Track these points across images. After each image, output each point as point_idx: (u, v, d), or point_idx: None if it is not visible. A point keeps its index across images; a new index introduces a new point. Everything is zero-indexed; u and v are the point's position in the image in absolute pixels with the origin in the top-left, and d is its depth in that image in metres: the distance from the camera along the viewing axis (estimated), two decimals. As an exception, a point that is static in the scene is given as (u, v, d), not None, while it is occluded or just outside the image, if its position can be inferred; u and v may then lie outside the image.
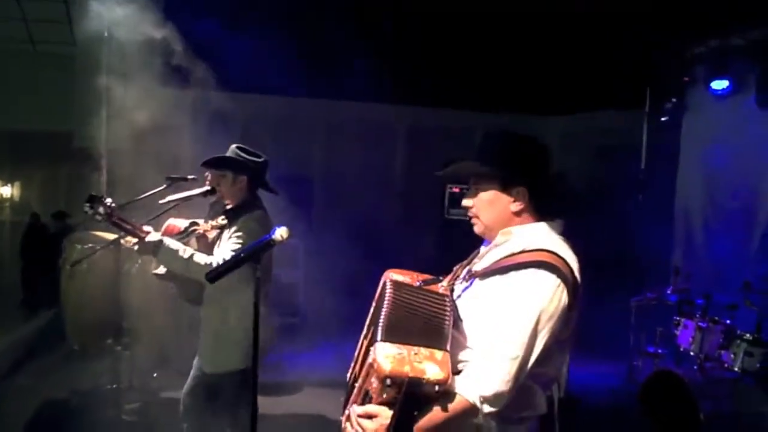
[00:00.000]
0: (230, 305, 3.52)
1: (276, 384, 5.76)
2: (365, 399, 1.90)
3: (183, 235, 3.60)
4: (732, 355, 4.51)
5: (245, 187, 3.65)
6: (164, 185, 4.62)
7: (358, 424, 1.89)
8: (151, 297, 4.97)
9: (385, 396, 1.82)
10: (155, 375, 5.43)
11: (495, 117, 9.10)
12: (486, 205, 2.12)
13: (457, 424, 1.88)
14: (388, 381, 1.78)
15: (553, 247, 1.99)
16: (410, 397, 1.81)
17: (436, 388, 1.79)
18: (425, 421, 1.84)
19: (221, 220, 3.62)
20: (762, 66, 6.35)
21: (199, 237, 3.69)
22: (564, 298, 1.91)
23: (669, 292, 5.34)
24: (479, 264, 2.12)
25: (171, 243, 3.38)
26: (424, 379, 1.77)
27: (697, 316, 4.79)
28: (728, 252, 6.73)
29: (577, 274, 1.97)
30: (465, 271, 2.20)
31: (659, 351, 5.55)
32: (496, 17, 7.26)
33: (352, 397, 2.03)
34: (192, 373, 3.76)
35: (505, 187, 2.09)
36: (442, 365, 1.81)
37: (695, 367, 4.66)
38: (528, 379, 1.95)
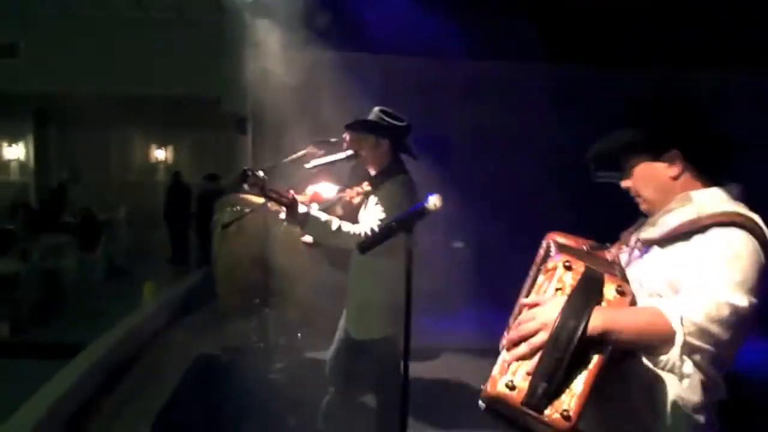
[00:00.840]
0: (376, 273, 3.47)
1: (414, 350, 5.71)
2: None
3: (329, 204, 3.60)
4: None
5: (387, 151, 3.57)
6: (307, 148, 4.67)
7: (521, 323, 1.63)
8: (297, 259, 5.06)
9: (557, 286, 1.62)
10: (299, 335, 5.54)
11: (645, 73, 8.58)
12: (641, 181, 1.94)
13: (647, 344, 1.64)
14: (566, 264, 1.63)
15: (734, 208, 1.79)
16: (589, 282, 1.61)
17: (619, 289, 1.61)
18: (606, 317, 1.56)
19: (366, 187, 3.59)
20: None
21: (344, 203, 3.67)
22: (762, 258, 1.71)
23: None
24: (653, 231, 1.92)
25: (318, 215, 3.38)
26: (601, 277, 1.62)
27: None
28: None
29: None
30: (634, 238, 2.00)
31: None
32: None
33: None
34: (337, 336, 3.80)
35: (655, 155, 1.90)
36: (622, 282, 1.66)
37: None
38: (711, 369, 1.73)
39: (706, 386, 1.75)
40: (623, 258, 1.99)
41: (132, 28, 11.04)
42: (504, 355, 1.61)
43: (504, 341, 1.82)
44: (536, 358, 1.53)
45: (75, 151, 14.15)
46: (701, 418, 1.78)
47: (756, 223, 1.75)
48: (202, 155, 13.27)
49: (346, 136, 5.01)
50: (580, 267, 1.64)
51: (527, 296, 1.85)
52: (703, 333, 1.62)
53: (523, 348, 1.57)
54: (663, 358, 1.63)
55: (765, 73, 8.10)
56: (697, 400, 1.75)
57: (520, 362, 1.55)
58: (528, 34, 6.76)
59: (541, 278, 1.73)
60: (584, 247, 2.01)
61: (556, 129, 7.72)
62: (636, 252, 1.96)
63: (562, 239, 2.01)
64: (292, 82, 6.88)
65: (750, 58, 7.97)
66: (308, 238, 3.66)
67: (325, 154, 4.51)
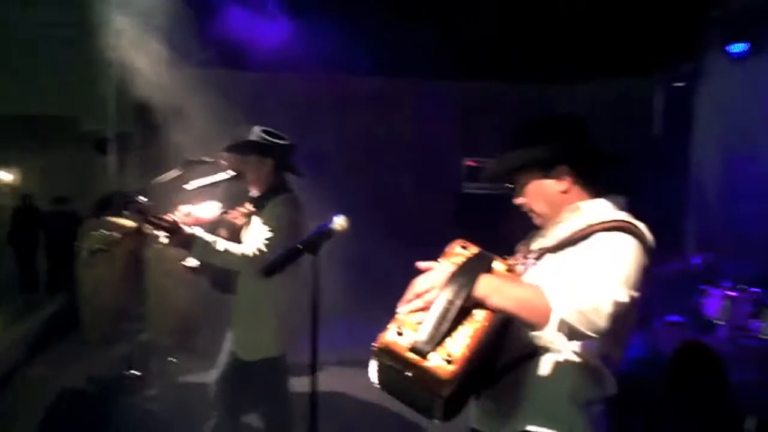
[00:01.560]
0: (263, 293, 3.47)
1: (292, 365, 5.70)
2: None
3: (213, 225, 3.54)
4: (762, 324, 4.46)
5: (271, 170, 3.55)
6: (180, 169, 4.57)
7: (414, 285, 1.74)
8: (168, 282, 4.93)
9: (453, 259, 1.76)
10: (172, 360, 5.39)
11: (511, 87, 9.03)
12: (534, 196, 2.06)
13: (525, 317, 1.71)
14: (462, 245, 1.79)
15: (620, 216, 1.93)
16: (479, 256, 1.77)
17: (505, 268, 1.78)
18: (490, 282, 1.71)
19: (249, 207, 3.57)
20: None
21: (228, 225, 3.63)
22: (645, 260, 1.84)
23: (695, 261, 5.28)
24: (545, 241, 2.06)
25: (203, 235, 3.33)
26: (492, 257, 1.78)
27: (725, 285, 4.74)
28: (748, 219, 6.67)
29: (651, 238, 1.89)
30: (529, 249, 2.12)
31: (682, 320, 5.48)
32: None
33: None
34: (222, 359, 3.72)
35: (545, 172, 2.02)
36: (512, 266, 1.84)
37: (722, 336, 4.61)
38: (599, 361, 1.91)
39: (594, 380, 1.91)
40: (519, 269, 2.09)
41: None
42: (398, 313, 1.73)
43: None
44: (426, 313, 1.66)
45: None
46: (594, 411, 1.94)
47: (639, 229, 1.88)
48: (56, 177, 12.64)
49: (221, 156, 4.96)
50: (474, 249, 1.77)
51: None
52: (581, 316, 1.67)
53: (416, 303, 1.71)
54: (540, 333, 1.71)
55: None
56: (587, 393, 1.92)
57: (410, 315, 1.69)
58: (406, 49, 6.92)
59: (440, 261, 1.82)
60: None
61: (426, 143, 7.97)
62: (530, 260, 2.07)
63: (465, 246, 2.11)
64: (159, 101, 6.71)
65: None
66: (191, 262, 3.53)
67: (199, 174, 4.44)
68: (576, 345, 1.87)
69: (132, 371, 5.10)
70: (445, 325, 1.63)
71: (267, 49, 6.97)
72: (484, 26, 7.18)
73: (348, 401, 5.05)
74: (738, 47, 6.72)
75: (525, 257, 2.11)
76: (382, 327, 1.70)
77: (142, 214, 3.22)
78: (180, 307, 5.06)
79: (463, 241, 2.13)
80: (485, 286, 1.69)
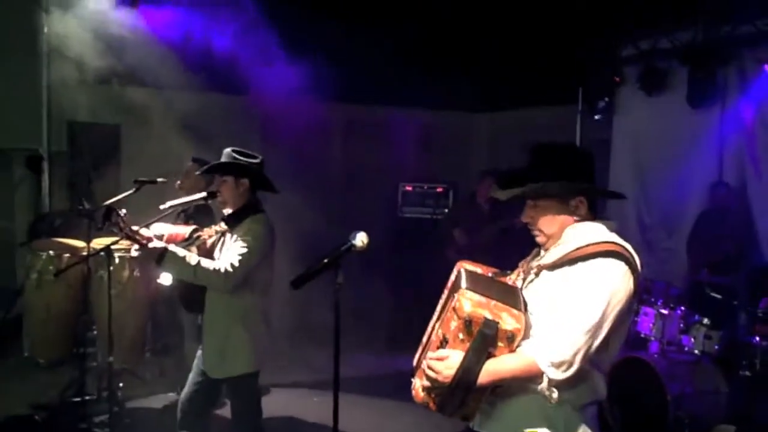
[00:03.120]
0: (237, 310, 3.53)
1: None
2: (441, 345, 2.11)
3: (188, 243, 3.56)
4: (692, 339, 4.86)
5: (247, 190, 3.62)
6: (133, 189, 4.54)
7: (430, 368, 2.09)
8: (122, 303, 4.85)
9: (461, 337, 2.03)
10: (121, 384, 5.26)
11: (426, 113, 9.32)
12: (548, 220, 2.24)
13: (519, 383, 2.10)
14: (467, 319, 2.00)
15: (615, 239, 2.15)
16: (483, 339, 2.01)
17: (509, 336, 2.02)
18: (491, 369, 2.04)
19: (222, 226, 3.62)
20: (690, 67, 6.79)
21: (200, 244, 3.66)
22: (631, 284, 2.08)
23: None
24: (545, 259, 2.25)
25: (176, 250, 3.36)
26: (499, 323, 2.01)
27: (658, 303, 5.11)
28: (662, 244, 7.23)
29: (639, 263, 2.13)
30: (530, 266, 2.31)
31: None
32: (429, 13, 7.42)
33: (425, 351, 2.22)
34: (191, 378, 3.72)
35: (564, 200, 2.21)
36: (517, 319, 2.04)
37: (655, 351, 4.98)
38: (591, 366, 2.11)
39: (587, 383, 2.14)
40: (519, 283, 2.30)
41: None
42: (423, 381, 2.17)
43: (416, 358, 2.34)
44: (438, 397, 2.14)
45: None
46: (588, 412, 2.18)
47: (628, 251, 2.12)
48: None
49: (184, 176, 4.94)
50: (478, 325, 2.01)
51: (439, 321, 2.23)
52: (562, 365, 2.03)
53: (430, 385, 2.13)
54: (535, 386, 2.08)
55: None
56: (581, 397, 2.14)
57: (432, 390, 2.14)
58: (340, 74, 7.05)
59: (450, 313, 2.10)
60: (489, 274, 2.32)
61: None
62: (531, 276, 2.27)
63: (470, 267, 2.29)
64: (99, 119, 6.58)
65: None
66: (165, 280, 3.56)
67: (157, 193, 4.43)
68: None
69: (78, 397, 4.93)
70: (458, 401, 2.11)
71: (205, 68, 6.97)
72: (416, 56, 7.42)
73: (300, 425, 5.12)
74: (651, 84, 7.25)
75: (526, 273, 2.32)
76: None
77: (119, 227, 3.23)
78: (132, 330, 4.99)
79: (467, 263, 2.33)
80: (487, 377, 2.05)
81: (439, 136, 9.35)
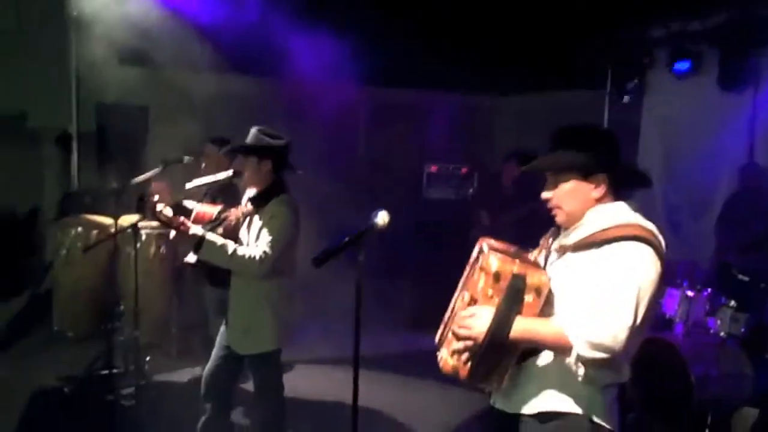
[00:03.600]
0: (262, 289, 3.58)
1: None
2: (470, 305, 2.12)
3: (215, 223, 3.59)
4: (718, 321, 4.80)
5: (270, 170, 3.63)
6: (159, 168, 4.60)
7: (461, 326, 2.09)
8: (149, 279, 4.93)
9: (489, 293, 2.05)
10: (148, 358, 5.36)
11: (455, 96, 9.27)
12: (568, 196, 2.22)
13: (548, 352, 2.13)
14: (495, 273, 2.03)
15: (639, 221, 2.13)
16: (513, 291, 2.03)
17: (536, 288, 2.04)
18: (523, 327, 2.05)
19: (249, 206, 3.64)
20: (722, 49, 6.67)
21: (226, 224, 3.69)
22: (658, 267, 2.07)
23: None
24: (568, 239, 2.23)
25: (214, 239, 3.41)
26: (526, 276, 2.03)
27: (684, 284, 5.06)
28: (693, 227, 7.14)
29: (664, 246, 2.11)
30: (552, 244, 2.30)
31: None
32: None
33: (450, 322, 2.23)
34: (216, 353, 3.78)
35: (586, 176, 2.19)
36: (543, 274, 2.07)
37: (680, 333, 4.93)
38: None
39: (611, 365, 2.12)
40: (541, 261, 2.29)
41: None
42: (451, 342, 2.17)
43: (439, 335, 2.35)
44: (468, 356, 2.11)
45: None
46: (610, 394, 2.19)
47: (653, 234, 2.11)
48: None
49: (205, 156, 4.99)
50: (507, 278, 2.03)
51: (464, 289, 2.24)
52: (598, 347, 2.00)
53: (460, 346, 2.12)
54: (565, 359, 2.08)
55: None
56: (604, 378, 2.15)
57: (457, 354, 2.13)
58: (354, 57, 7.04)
59: (478, 273, 2.12)
60: (512, 249, 2.30)
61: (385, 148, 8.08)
62: (554, 255, 2.27)
63: (493, 242, 2.28)
64: (128, 99, 6.63)
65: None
66: (191, 258, 3.58)
67: (180, 173, 4.49)
68: None
69: (107, 370, 5.03)
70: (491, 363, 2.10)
71: (231, 49, 7.00)
72: (442, 39, 7.37)
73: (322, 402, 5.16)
74: (681, 65, 7.15)
75: (548, 251, 2.31)
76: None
77: (153, 213, 3.28)
78: (159, 305, 5.06)
79: (490, 238, 2.33)
80: (518, 334, 2.05)
81: (465, 118, 9.30)
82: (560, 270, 2.20)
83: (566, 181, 2.21)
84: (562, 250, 2.23)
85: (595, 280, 2.06)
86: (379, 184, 8.13)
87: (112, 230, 4.52)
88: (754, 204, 6.15)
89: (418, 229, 7.82)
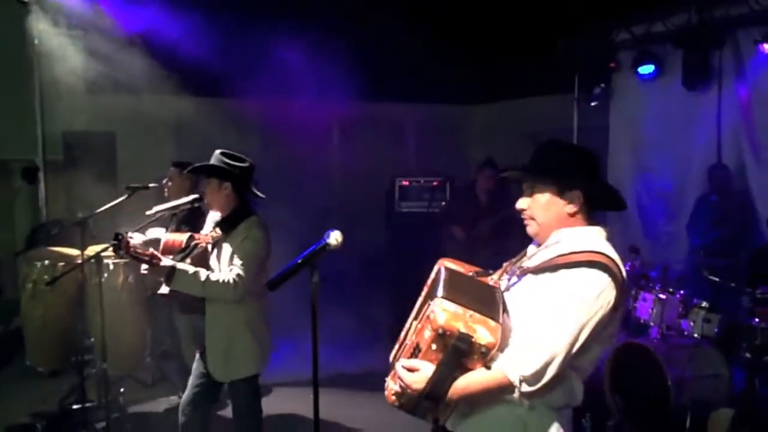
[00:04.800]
0: (237, 313, 3.54)
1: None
2: (414, 353, 2.05)
3: (186, 252, 3.54)
4: (691, 323, 4.81)
5: (231, 193, 3.60)
6: (125, 195, 4.56)
7: (400, 377, 2.05)
8: (118, 310, 4.87)
9: (434, 348, 1.96)
10: (122, 390, 5.28)
11: (421, 107, 9.30)
12: (542, 208, 2.21)
13: (491, 398, 2.06)
14: (440, 331, 1.92)
15: (603, 249, 2.10)
16: (455, 353, 1.95)
17: (482, 350, 1.93)
18: (462, 385, 2.00)
19: (217, 231, 3.61)
20: (686, 50, 6.73)
21: (196, 251, 3.64)
22: (612, 297, 2.03)
23: (626, 267, 5.60)
24: (530, 261, 2.22)
25: (185, 267, 3.38)
26: (473, 338, 1.91)
27: (656, 288, 5.07)
28: (664, 227, 7.19)
29: (624, 276, 2.09)
30: (514, 267, 2.29)
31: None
32: (422, 6, 7.40)
33: (400, 353, 2.17)
34: (192, 382, 3.74)
35: (561, 191, 2.18)
36: (493, 332, 1.94)
37: (656, 336, 4.93)
38: (569, 371, 2.08)
39: (565, 388, 2.10)
40: (503, 284, 2.27)
41: None
42: (392, 385, 2.16)
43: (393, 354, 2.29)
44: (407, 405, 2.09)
45: None
46: (564, 416, 2.16)
47: (614, 262, 2.07)
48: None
49: (167, 181, 4.97)
50: (451, 338, 1.93)
51: (413, 324, 2.20)
52: (538, 376, 1.99)
53: (401, 397, 2.10)
54: (508, 397, 2.04)
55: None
56: (558, 400, 2.11)
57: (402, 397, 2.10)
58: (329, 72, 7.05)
59: (424, 322, 2.04)
60: (471, 273, 2.28)
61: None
62: (514, 278, 2.24)
63: (451, 265, 2.26)
64: (94, 127, 6.58)
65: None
66: (164, 290, 3.53)
67: (149, 199, 4.45)
68: None
69: (78, 404, 4.96)
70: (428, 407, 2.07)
71: (197, 72, 6.98)
72: (417, 49, 7.39)
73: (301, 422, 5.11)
74: (646, 69, 7.20)
75: (510, 274, 2.29)
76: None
77: (124, 249, 3.23)
78: (129, 336, 5.00)
79: (449, 260, 2.31)
80: (456, 393, 2.00)
81: (433, 129, 9.33)
82: (518, 293, 2.18)
83: (542, 192, 2.20)
84: (523, 272, 2.21)
85: (545, 304, 2.04)
86: (352, 199, 8.11)
87: (78, 261, 4.46)
88: (722, 205, 6.20)
89: (393, 243, 7.82)
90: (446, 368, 1.97)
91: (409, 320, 2.31)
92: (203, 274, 3.36)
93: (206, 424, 3.75)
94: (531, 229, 2.26)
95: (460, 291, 2.04)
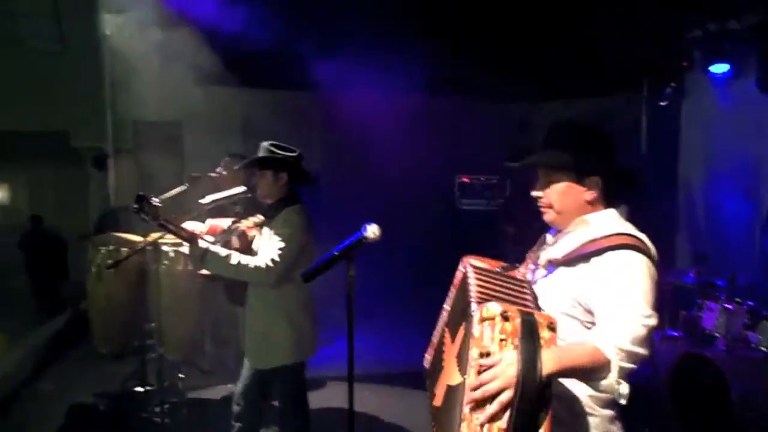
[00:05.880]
0: (277, 302, 3.58)
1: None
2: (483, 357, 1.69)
3: (225, 235, 3.62)
4: (759, 336, 4.63)
5: (286, 183, 3.65)
6: (185, 185, 4.64)
7: (481, 383, 1.64)
8: (177, 296, 4.96)
9: (502, 337, 1.67)
10: (181, 375, 5.40)
11: (491, 103, 9.18)
12: (559, 195, 2.14)
13: (588, 375, 1.81)
14: (504, 314, 1.68)
15: (629, 230, 2.04)
16: (529, 326, 1.68)
17: (550, 324, 1.70)
18: (554, 355, 1.68)
19: (260, 217, 3.67)
20: (761, 49, 6.46)
21: (240, 235, 3.71)
22: (654, 274, 1.96)
23: (692, 275, 5.45)
24: (555, 251, 2.15)
25: (217, 250, 3.41)
26: (535, 315, 1.72)
27: (722, 298, 4.90)
28: (735, 233, 6.92)
29: (655, 253, 2.01)
30: (539, 258, 2.22)
31: (680, 334, 5.63)
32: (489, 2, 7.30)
33: (440, 349, 2.04)
34: (244, 372, 3.79)
35: (579, 177, 2.12)
36: (546, 312, 1.83)
37: (722, 348, 4.77)
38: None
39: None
40: (529, 276, 2.21)
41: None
42: (473, 416, 1.64)
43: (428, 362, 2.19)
44: (507, 415, 1.61)
45: None
46: (613, 413, 2.07)
47: (643, 242, 2.00)
48: (40, 195, 12.39)
49: (221, 170, 5.04)
50: (516, 316, 1.69)
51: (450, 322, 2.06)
52: (630, 355, 1.83)
53: (495, 407, 1.61)
54: (603, 383, 1.80)
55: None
56: (610, 398, 2.00)
57: (491, 422, 1.61)
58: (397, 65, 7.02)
59: (478, 328, 1.72)
60: (497, 268, 2.21)
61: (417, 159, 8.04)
62: (541, 270, 2.17)
63: (477, 262, 2.19)
64: (162, 117, 6.72)
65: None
66: (204, 270, 3.62)
67: (208, 188, 4.52)
68: None
69: (141, 386, 5.10)
70: (529, 422, 1.62)
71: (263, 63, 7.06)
72: (480, 46, 7.31)
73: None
74: (720, 68, 6.93)
75: (536, 266, 2.22)
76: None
77: (153, 216, 3.28)
78: (188, 323, 5.09)
79: (473, 257, 2.22)
80: (552, 367, 1.67)
81: (498, 127, 9.20)
82: (552, 286, 2.09)
83: (558, 181, 2.14)
84: (551, 264, 2.13)
85: (595, 293, 1.95)
86: (413, 195, 8.06)
87: (138, 247, 4.57)
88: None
89: (452, 239, 7.75)
90: (527, 341, 1.66)
91: (440, 325, 2.22)
92: (235, 257, 3.39)
93: (258, 415, 3.80)
94: (548, 217, 2.19)
95: (492, 285, 1.94)
